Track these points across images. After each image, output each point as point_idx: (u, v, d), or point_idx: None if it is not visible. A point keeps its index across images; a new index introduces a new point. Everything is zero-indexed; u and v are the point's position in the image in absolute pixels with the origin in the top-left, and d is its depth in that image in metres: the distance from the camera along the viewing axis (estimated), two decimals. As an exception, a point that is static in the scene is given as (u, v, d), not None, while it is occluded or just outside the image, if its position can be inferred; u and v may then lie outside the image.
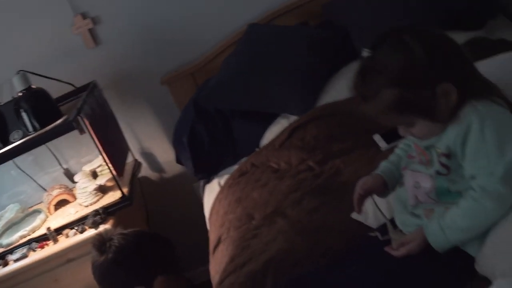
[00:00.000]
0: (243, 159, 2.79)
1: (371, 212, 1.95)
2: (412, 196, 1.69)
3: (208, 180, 2.93)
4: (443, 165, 1.57)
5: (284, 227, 2.09)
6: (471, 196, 1.51)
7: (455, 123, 1.53)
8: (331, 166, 2.36)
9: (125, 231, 2.45)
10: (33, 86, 2.81)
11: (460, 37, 2.71)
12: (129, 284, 2.40)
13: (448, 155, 1.55)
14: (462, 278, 1.59)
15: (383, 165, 1.88)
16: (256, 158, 2.63)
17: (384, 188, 1.84)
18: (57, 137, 2.74)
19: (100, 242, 2.41)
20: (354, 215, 2.02)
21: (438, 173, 1.59)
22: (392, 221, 1.80)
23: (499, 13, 2.94)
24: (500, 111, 1.52)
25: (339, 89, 2.74)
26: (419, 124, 1.56)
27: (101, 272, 2.41)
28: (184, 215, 3.57)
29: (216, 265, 2.23)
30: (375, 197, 1.88)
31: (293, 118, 2.73)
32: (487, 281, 1.53)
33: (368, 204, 1.99)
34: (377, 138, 2.42)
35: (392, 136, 2.39)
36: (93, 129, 2.73)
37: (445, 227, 1.55)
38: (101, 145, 2.79)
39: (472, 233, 1.54)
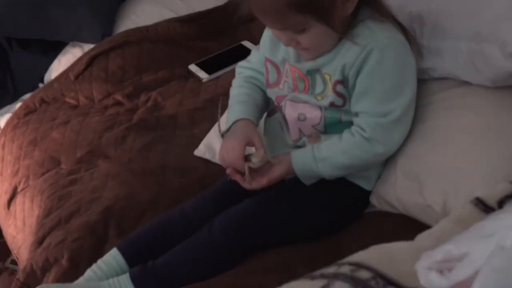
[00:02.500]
0: (26, 96, 2.31)
1: (219, 145, 1.69)
2: (294, 130, 1.45)
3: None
4: (339, 94, 1.35)
5: (112, 169, 1.74)
6: (360, 134, 1.32)
7: (349, 41, 1.31)
8: (146, 99, 2.05)
9: None
10: None
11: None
12: None
13: (343, 81, 1.33)
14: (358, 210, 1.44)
15: (241, 109, 1.48)
16: (46, 93, 2.18)
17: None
18: None
19: None
20: (198, 152, 1.75)
21: (332, 104, 1.35)
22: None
23: None
24: (401, 42, 1.33)
25: (140, 13, 2.40)
26: (312, 30, 1.27)
27: None
28: None
29: (17, 221, 1.81)
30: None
31: (87, 46, 2.33)
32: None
33: (214, 138, 1.73)
34: (193, 68, 2.15)
35: (210, 66, 2.15)
36: None
37: (319, 159, 1.36)
38: None
39: (347, 171, 1.39)
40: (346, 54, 1.32)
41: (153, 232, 1.47)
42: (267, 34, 1.47)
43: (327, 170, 1.36)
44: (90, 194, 1.68)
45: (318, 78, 1.37)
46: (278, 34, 1.33)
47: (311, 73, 1.38)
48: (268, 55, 1.47)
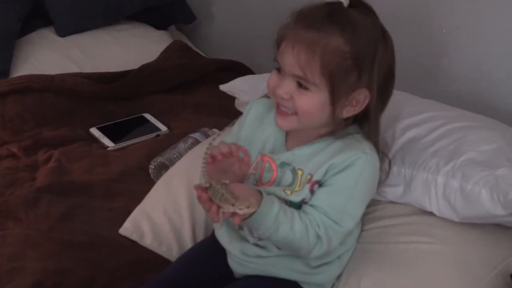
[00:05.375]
0: None
1: (147, 227, 1.63)
2: None
3: None
4: (313, 193, 1.34)
5: (30, 236, 1.59)
6: (315, 230, 1.30)
7: (341, 143, 1.34)
8: (47, 158, 1.90)
9: None
10: None
11: (162, 36, 2.56)
12: None
13: (321, 182, 1.34)
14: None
15: None
16: None
17: None
18: None
19: None
20: (125, 231, 1.66)
21: (302, 201, 1.34)
22: None
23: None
24: (377, 162, 1.38)
25: (41, 59, 2.27)
26: (314, 95, 1.27)
27: None
28: None
29: None
30: None
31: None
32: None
33: (142, 217, 1.65)
34: (96, 132, 2.05)
35: (113, 133, 2.07)
36: None
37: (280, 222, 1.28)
38: None
39: (283, 247, 1.37)
40: (337, 155, 1.33)
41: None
42: (246, 129, 1.45)
43: (276, 234, 1.28)
44: (8, 262, 1.50)
45: (287, 171, 1.36)
46: (280, 80, 1.29)
47: (283, 165, 1.37)
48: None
